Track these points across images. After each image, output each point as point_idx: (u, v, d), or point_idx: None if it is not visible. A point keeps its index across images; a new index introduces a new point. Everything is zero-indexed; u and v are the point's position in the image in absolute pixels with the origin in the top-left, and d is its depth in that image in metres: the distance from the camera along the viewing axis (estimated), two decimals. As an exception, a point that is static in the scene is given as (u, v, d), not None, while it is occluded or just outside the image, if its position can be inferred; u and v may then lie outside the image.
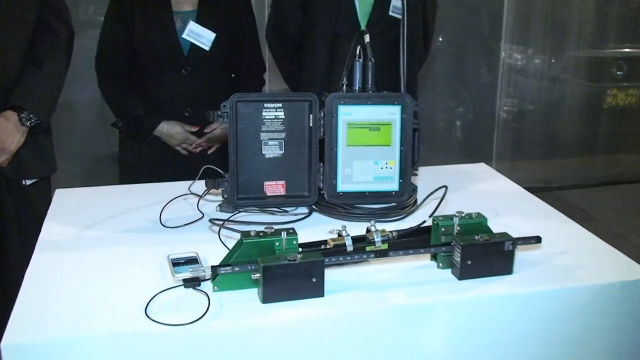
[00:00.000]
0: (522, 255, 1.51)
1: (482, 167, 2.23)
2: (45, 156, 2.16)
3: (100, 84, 2.47)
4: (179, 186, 1.95)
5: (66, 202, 1.86)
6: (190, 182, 1.95)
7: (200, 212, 1.77)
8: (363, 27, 2.39)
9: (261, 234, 1.37)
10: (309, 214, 1.79)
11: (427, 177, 2.05)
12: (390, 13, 2.42)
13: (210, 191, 1.83)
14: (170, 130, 2.45)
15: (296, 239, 1.37)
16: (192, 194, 1.89)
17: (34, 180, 2.12)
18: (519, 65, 5.03)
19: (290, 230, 1.38)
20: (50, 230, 1.67)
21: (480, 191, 1.98)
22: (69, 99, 3.93)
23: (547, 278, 1.44)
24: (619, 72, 5.16)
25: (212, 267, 1.33)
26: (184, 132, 2.46)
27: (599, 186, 5.10)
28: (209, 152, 2.53)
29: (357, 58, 1.82)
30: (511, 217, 1.76)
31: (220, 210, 1.78)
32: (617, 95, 5.20)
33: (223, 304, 1.31)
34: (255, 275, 1.31)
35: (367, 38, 1.85)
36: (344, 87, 1.81)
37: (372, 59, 1.82)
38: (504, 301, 1.38)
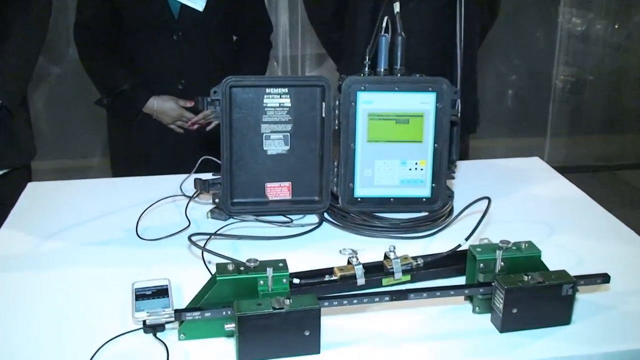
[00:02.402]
0: (582, 296, 1.17)
1: (535, 162, 1.85)
2: (18, 142, 1.86)
3: (81, 56, 2.14)
4: (170, 181, 1.65)
5: (34, 201, 1.57)
6: (183, 176, 1.64)
7: (188, 219, 1.47)
8: None
9: (241, 268, 1.05)
10: (319, 224, 1.47)
11: (466, 176, 1.70)
12: None
13: (201, 193, 1.52)
14: (162, 106, 2.11)
15: (287, 276, 1.05)
16: (182, 194, 1.58)
17: (4, 171, 1.84)
18: (579, 31, 4.57)
19: (280, 264, 1.06)
20: (6, 239, 1.39)
21: (532, 197, 1.62)
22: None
23: (618, 332, 1.09)
24: (690, 40, 4.65)
25: (175, 311, 1.02)
26: (178, 107, 2.12)
27: (664, 166, 4.64)
28: (208, 128, 2.19)
29: (383, 32, 1.47)
30: (570, 236, 1.41)
31: (212, 217, 1.47)
32: (687, 65, 4.69)
33: (188, 361, 1.01)
34: (229, 326, 1.00)
35: (396, 7, 1.50)
36: (367, 68, 1.47)
37: (403, 33, 1.48)
38: (559, 364, 1.05)
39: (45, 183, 1.67)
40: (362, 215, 1.46)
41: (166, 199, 1.56)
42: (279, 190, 1.48)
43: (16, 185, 1.68)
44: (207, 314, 1.02)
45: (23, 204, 1.55)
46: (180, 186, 1.61)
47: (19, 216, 1.50)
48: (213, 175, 1.45)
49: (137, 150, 2.17)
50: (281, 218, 1.48)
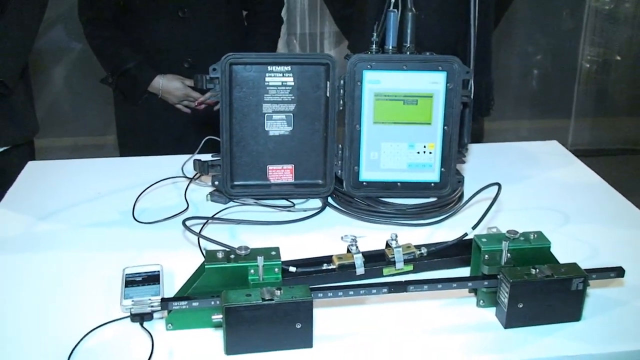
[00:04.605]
0: (595, 291, 1.10)
1: (554, 146, 1.77)
2: (18, 118, 1.81)
3: (86, 33, 2.07)
4: (173, 162, 1.60)
5: (33, 179, 1.54)
6: (187, 156, 1.60)
7: (187, 201, 1.42)
8: None
9: (232, 256, 1.00)
10: (322, 208, 1.41)
11: (479, 160, 1.64)
12: None
13: (203, 175, 1.48)
14: (168, 85, 2.05)
15: (279, 266, 1.00)
16: (183, 176, 1.53)
17: (5, 148, 1.79)
18: (607, 10, 4.43)
19: (273, 253, 1.01)
20: (1, 218, 1.35)
21: (548, 183, 1.55)
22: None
23: (631, 330, 1.03)
24: None
25: (162, 300, 0.98)
26: (184, 87, 2.06)
27: (692, 150, 4.50)
28: (216, 108, 2.12)
29: (392, 8, 1.40)
30: (585, 225, 1.34)
31: (211, 200, 1.43)
32: None
33: (173, 352, 0.96)
34: (217, 317, 0.96)
35: (407, -18, 1.42)
36: (374, 45, 1.40)
37: (413, 9, 1.40)
38: (567, 363, 0.99)
39: (46, 162, 1.64)
40: (367, 200, 1.40)
41: (166, 180, 1.51)
42: (281, 173, 1.42)
43: (18, 163, 1.64)
44: (195, 304, 0.97)
45: (21, 183, 1.52)
46: (182, 167, 1.56)
47: (16, 195, 1.46)
48: (212, 156, 1.40)
49: (143, 131, 2.12)
50: (283, 202, 1.43)
